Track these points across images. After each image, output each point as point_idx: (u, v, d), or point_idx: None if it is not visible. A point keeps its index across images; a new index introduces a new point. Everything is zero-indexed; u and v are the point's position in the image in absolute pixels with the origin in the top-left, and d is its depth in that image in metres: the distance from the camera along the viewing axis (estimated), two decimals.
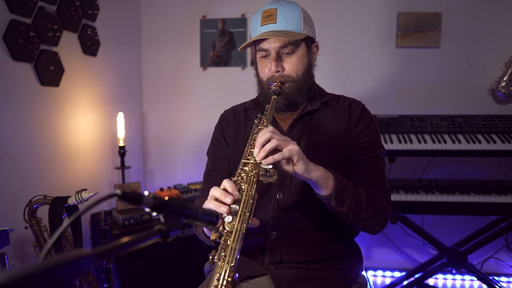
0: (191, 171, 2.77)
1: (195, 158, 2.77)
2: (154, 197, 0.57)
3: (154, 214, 0.59)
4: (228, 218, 0.84)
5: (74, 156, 2.09)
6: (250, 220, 0.85)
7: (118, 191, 0.52)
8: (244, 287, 1.12)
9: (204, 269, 1.31)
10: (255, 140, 0.96)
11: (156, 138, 2.83)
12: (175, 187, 2.45)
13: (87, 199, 1.35)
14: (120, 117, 2.35)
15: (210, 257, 0.79)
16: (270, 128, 0.93)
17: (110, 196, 0.52)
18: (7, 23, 1.60)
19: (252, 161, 0.92)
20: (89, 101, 2.21)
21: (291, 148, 0.90)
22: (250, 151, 0.97)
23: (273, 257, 1.13)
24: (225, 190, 0.89)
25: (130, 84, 2.67)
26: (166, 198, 0.60)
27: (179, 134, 2.80)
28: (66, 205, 1.36)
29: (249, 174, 0.91)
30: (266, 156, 0.89)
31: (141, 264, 2.04)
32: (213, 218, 0.76)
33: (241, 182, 0.92)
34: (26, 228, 1.46)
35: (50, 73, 1.86)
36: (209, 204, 0.87)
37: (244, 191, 0.89)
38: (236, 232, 0.81)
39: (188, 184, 2.52)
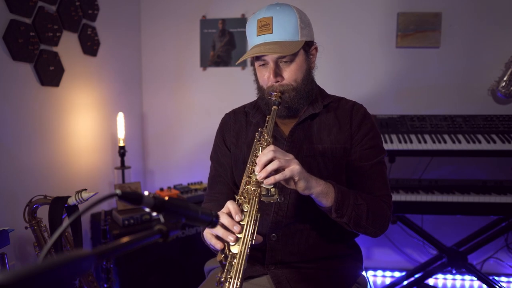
0: (191, 171, 2.77)
1: (195, 158, 2.76)
2: (154, 197, 0.57)
3: (154, 214, 0.59)
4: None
5: (74, 156, 2.09)
6: (253, 241, 0.88)
7: (118, 191, 0.52)
8: (244, 287, 1.12)
9: (204, 269, 1.32)
10: (256, 156, 0.97)
11: (156, 138, 2.83)
12: (175, 187, 2.45)
13: (87, 199, 1.35)
14: (120, 117, 2.35)
15: (217, 278, 0.84)
16: (272, 147, 0.93)
17: (110, 196, 0.52)
18: (7, 23, 1.60)
19: (254, 180, 0.95)
20: (89, 101, 2.21)
21: (292, 168, 0.91)
22: (251, 168, 0.98)
23: (273, 258, 1.13)
24: (229, 214, 0.91)
25: (130, 84, 2.67)
26: (166, 198, 0.60)
27: (179, 134, 2.80)
28: (66, 205, 1.36)
29: (251, 195, 0.93)
30: (267, 177, 0.90)
31: (141, 264, 2.04)
32: (213, 218, 0.76)
33: (244, 202, 0.94)
34: (26, 228, 1.45)
35: (50, 73, 1.86)
36: (216, 230, 0.90)
37: (247, 212, 0.91)
38: (240, 254, 0.85)
39: (188, 184, 2.52)
